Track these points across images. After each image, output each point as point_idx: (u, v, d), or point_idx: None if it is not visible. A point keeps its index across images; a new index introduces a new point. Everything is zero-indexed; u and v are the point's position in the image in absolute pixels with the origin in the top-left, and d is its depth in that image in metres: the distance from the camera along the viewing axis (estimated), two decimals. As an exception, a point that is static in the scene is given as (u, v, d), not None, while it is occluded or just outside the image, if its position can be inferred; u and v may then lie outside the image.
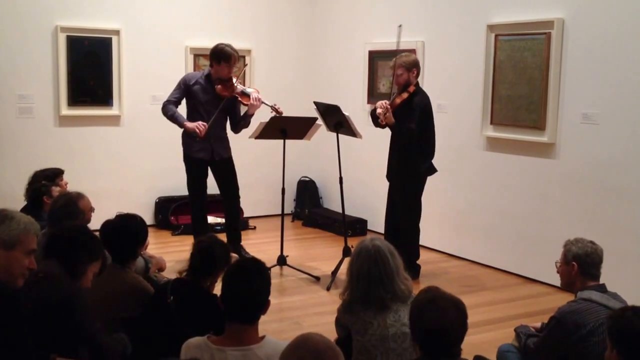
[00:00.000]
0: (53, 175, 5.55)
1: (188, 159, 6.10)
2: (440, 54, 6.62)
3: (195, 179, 6.13)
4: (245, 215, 7.42)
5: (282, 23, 8.09)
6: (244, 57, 7.47)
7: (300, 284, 5.71)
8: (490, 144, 6.23)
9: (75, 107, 7.09)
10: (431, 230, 6.56)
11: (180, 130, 6.09)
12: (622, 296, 3.29)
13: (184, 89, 5.99)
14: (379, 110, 5.59)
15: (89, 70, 7.10)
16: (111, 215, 3.82)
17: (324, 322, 4.38)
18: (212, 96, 5.95)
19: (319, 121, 5.99)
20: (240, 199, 6.31)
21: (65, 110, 7.04)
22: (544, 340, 3.26)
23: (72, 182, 5.75)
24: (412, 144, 5.58)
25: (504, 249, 6.14)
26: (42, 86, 6.94)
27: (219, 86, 5.93)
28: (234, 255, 3.73)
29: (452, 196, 6.59)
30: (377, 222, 6.58)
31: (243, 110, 6.17)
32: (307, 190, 8.28)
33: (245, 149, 6.85)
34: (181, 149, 6.12)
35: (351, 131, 5.79)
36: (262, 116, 6.02)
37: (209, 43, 6.26)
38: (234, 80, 6.00)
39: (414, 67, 5.66)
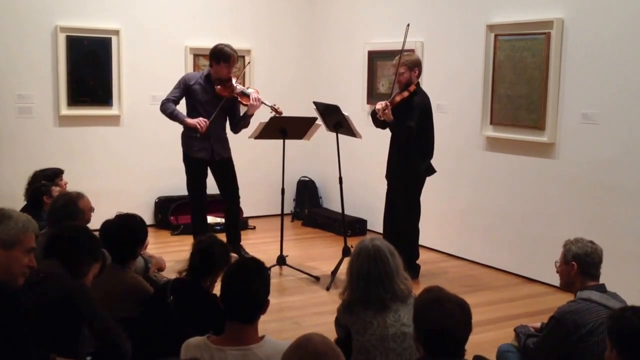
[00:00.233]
0: (53, 175, 5.56)
1: (188, 159, 6.11)
2: (440, 54, 6.62)
3: (195, 179, 6.13)
4: (245, 215, 7.42)
5: (281, 23, 8.10)
6: (244, 57, 7.47)
7: (300, 284, 5.71)
8: (490, 144, 6.23)
9: (75, 107, 7.09)
10: (431, 230, 6.56)
11: (180, 130, 6.10)
12: (621, 296, 3.29)
13: (184, 89, 5.99)
14: (378, 106, 5.60)
15: (89, 70, 7.10)
16: (111, 215, 3.82)
17: (324, 322, 4.38)
18: (211, 96, 5.95)
19: (319, 121, 5.99)
20: (240, 199, 6.31)
21: (65, 110, 7.04)
22: (544, 340, 3.26)
23: (72, 182, 5.75)
24: (410, 142, 5.58)
25: (503, 249, 6.14)
26: (42, 86, 6.94)
27: (219, 86, 5.93)
28: (234, 255, 3.74)
29: (452, 196, 6.59)
30: (376, 222, 6.59)
31: (242, 110, 6.17)
32: (307, 190, 8.28)
33: (245, 149, 6.85)
34: (181, 149, 6.12)
35: (351, 131, 5.79)
36: (261, 116, 6.03)
37: (208, 43, 6.26)
38: (234, 80, 6.00)
39: (416, 66, 5.66)
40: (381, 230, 6.13)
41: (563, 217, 5.58)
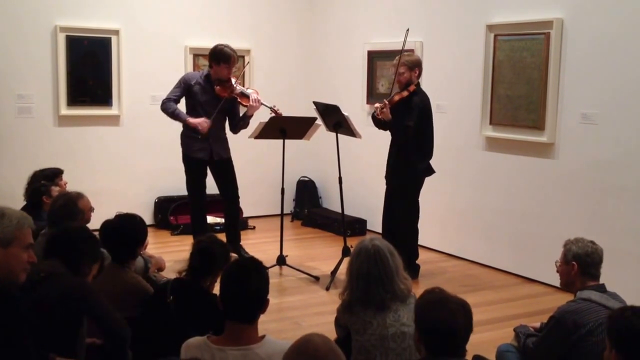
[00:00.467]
0: (52, 175, 5.55)
1: (187, 159, 6.10)
2: (439, 54, 6.62)
3: (195, 179, 6.13)
4: (244, 215, 7.42)
5: (281, 23, 8.09)
6: (243, 56, 7.47)
7: (300, 284, 5.71)
8: (490, 144, 6.23)
9: (74, 107, 7.09)
10: (431, 230, 6.57)
11: (180, 130, 6.10)
12: (621, 296, 3.29)
13: (184, 88, 5.99)
14: (376, 104, 5.61)
15: (89, 70, 7.10)
16: (111, 215, 3.82)
17: (324, 322, 4.38)
18: (211, 97, 5.94)
19: (319, 121, 5.99)
20: (240, 199, 6.31)
21: (65, 110, 7.04)
22: (543, 340, 3.26)
23: (72, 182, 5.75)
24: (408, 141, 5.58)
25: (503, 249, 6.14)
26: (42, 86, 6.94)
27: (218, 87, 5.93)
28: (234, 255, 3.74)
29: (452, 196, 6.59)
30: (376, 222, 6.58)
31: (242, 111, 6.17)
32: (307, 190, 8.28)
33: (245, 148, 6.85)
34: (180, 149, 6.12)
35: (350, 131, 5.79)
36: (261, 116, 6.03)
37: (208, 43, 6.26)
38: (233, 81, 6.00)
39: (416, 66, 5.66)
40: (380, 230, 6.12)
41: (563, 217, 5.58)
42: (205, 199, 6.26)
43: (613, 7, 5.19)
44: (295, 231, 7.70)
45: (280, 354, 2.20)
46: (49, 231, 3.77)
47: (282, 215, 6.06)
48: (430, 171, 5.75)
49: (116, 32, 7.14)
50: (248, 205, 7.41)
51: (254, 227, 7.63)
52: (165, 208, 7.45)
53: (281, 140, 5.92)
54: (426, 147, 5.70)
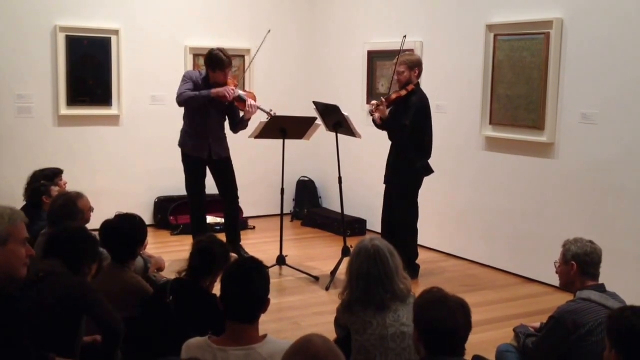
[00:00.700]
0: (52, 175, 5.55)
1: (186, 159, 6.10)
2: (439, 54, 6.62)
3: (194, 179, 6.13)
4: (244, 215, 7.42)
5: (281, 23, 8.08)
6: (243, 56, 7.45)
7: (300, 284, 5.71)
8: (489, 144, 6.23)
9: (74, 107, 7.09)
10: (430, 230, 6.57)
11: (179, 130, 6.10)
12: (621, 296, 3.29)
13: (193, 83, 5.94)
14: (373, 102, 5.62)
15: (88, 70, 7.10)
16: (110, 215, 3.82)
17: (323, 322, 4.38)
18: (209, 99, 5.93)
19: (319, 121, 5.99)
20: (240, 199, 6.31)
21: (65, 110, 7.04)
22: (543, 340, 3.26)
23: (72, 182, 5.74)
24: (406, 141, 5.59)
25: (503, 249, 6.14)
26: (41, 86, 6.94)
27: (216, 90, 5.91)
28: (233, 256, 3.74)
29: (452, 196, 6.59)
30: (376, 222, 6.58)
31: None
32: (307, 190, 8.28)
33: (245, 148, 6.85)
34: (180, 149, 6.12)
35: (350, 131, 5.79)
36: (261, 116, 6.02)
37: (208, 43, 6.27)
38: (231, 84, 5.98)
39: (416, 66, 5.66)
40: (380, 230, 6.12)
41: (562, 217, 5.58)
42: (205, 199, 6.26)
43: (613, 7, 5.19)
44: (295, 231, 7.69)
45: (281, 354, 2.19)
46: (49, 231, 3.77)
47: (282, 215, 6.06)
48: (429, 171, 5.75)
49: (116, 32, 7.14)
50: (248, 205, 7.41)
51: (254, 227, 7.63)
52: (165, 208, 7.45)
53: (281, 140, 5.92)
54: (424, 146, 5.70)
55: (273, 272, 5.76)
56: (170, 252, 6.08)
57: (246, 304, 2.64)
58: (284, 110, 6.06)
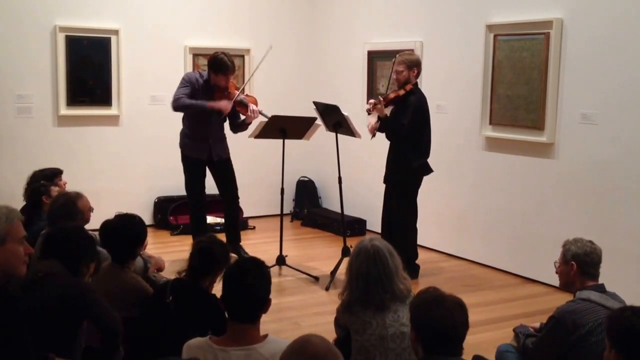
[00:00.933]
0: (52, 175, 5.54)
1: (186, 159, 6.10)
2: (439, 54, 6.62)
3: (194, 180, 6.13)
4: (244, 215, 7.42)
5: (281, 23, 8.09)
6: (243, 56, 7.45)
7: (299, 284, 5.71)
8: (489, 144, 6.23)
9: (74, 106, 7.09)
10: (430, 230, 6.57)
11: (179, 130, 6.09)
12: (621, 296, 3.29)
13: (190, 87, 5.94)
14: (370, 100, 5.63)
15: (88, 70, 7.09)
16: (110, 215, 3.81)
17: (323, 322, 4.38)
18: (208, 100, 5.91)
19: (318, 121, 5.99)
20: (240, 199, 6.31)
21: (64, 110, 7.04)
22: (543, 340, 3.26)
23: (71, 182, 5.74)
24: (403, 141, 5.59)
25: (503, 249, 6.14)
26: (41, 86, 6.94)
27: (218, 93, 5.91)
28: (233, 256, 3.74)
29: (451, 196, 6.59)
30: (376, 222, 6.58)
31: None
32: (306, 190, 8.28)
33: (245, 148, 6.85)
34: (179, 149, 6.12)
35: (350, 131, 5.79)
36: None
37: (208, 43, 6.26)
38: (233, 88, 5.97)
39: (415, 66, 5.66)
40: (380, 230, 6.12)
41: (562, 217, 5.58)
42: (205, 199, 6.26)
43: (613, 7, 5.19)
44: (295, 231, 7.69)
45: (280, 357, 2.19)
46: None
47: (281, 215, 6.06)
48: (427, 170, 5.75)
49: (116, 32, 7.14)
50: (248, 206, 7.41)
51: (254, 227, 7.63)
52: (165, 208, 7.45)
53: (281, 140, 5.92)
54: (423, 146, 5.70)
55: (273, 272, 5.73)
56: (170, 252, 6.08)
57: (247, 304, 2.64)
58: (284, 110, 6.07)
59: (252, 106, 5.92)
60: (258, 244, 6.78)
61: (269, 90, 7.51)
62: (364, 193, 7.45)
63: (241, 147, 6.59)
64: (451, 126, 6.45)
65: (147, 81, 7.30)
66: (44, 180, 5.29)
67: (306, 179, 8.32)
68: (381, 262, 3.10)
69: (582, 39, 5.39)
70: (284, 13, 8.12)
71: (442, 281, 5.68)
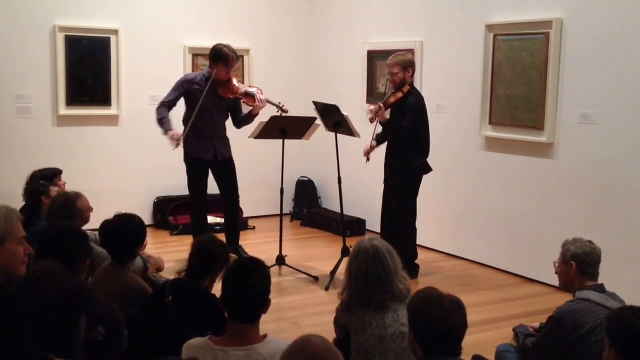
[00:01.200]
0: (51, 175, 5.54)
1: (190, 159, 6.08)
2: (439, 54, 6.62)
3: (197, 180, 6.11)
4: (244, 215, 7.42)
5: (280, 23, 8.09)
6: (242, 56, 7.45)
7: (299, 284, 5.71)
8: (489, 144, 6.23)
9: (73, 107, 7.09)
10: (430, 230, 6.57)
11: (180, 130, 6.09)
12: (621, 296, 3.29)
13: (182, 92, 5.94)
14: (371, 107, 5.62)
15: (88, 70, 7.09)
16: (110, 215, 3.82)
17: (323, 322, 4.38)
18: (212, 98, 5.91)
19: (318, 121, 5.99)
20: (240, 199, 6.31)
21: (64, 110, 7.04)
22: (543, 340, 3.26)
23: (71, 182, 5.73)
24: (403, 141, 5.59)
25: (502, 249, 6.14)
26: (41, 86, 6.94)
27: (221, 88, 5.90)
28: (233, 256, 3.74)
29: (451, 196, 6.59)
30: (375, 222, 6.58)
31: (246, 108, 6.13)
32: (306, 190, 8.28)
33: (245, 148, 6.84)
34: (180, 149, 6.11)
35: (350, 131, 5.79)
36: (262, 116, 6.02)
37: (208, 43, 6.25)
38: (235, 81, 5.98)
39: (410, 66, 5.67)
40: (379, 231, 6.12)
41: (562, 217, 5.58)
42: (206, 199, 6.25)
43: (613, 7, 5.18)
44: (295, 231, 7.69)
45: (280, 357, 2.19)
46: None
47: (281, 215, 6.06)
48: (427, 169, 5.75)
49: (115, 32, 7.14)
50: (248, 206, 7.41)
51: (254, 227, 7.63)
52: (165, 208, 7.45)
53: (281, 140, 5.92)
54: (422, 145, 5.71)
55: (273, 272, 5.74)
56: (169, 253, 6.08)
57: (247, 304, 2.64)
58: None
59: (259, 95, 5.91)
60: (258, 244, 6.78)
61: (269, 90, 7.45)
62: (363, 193, 7.45)
63: (241, 147, 6.58)
64: (451, 126, 6.45)
65: (147, 81, 7.29)
66: (43, 181, 5.29)
67: (306, 179, 8.32)
68: (381, 262, 3.10)
69: (582, 39, 5.39)
70: (284, 13, 8.12)
71: (441, 281, 5.69)
